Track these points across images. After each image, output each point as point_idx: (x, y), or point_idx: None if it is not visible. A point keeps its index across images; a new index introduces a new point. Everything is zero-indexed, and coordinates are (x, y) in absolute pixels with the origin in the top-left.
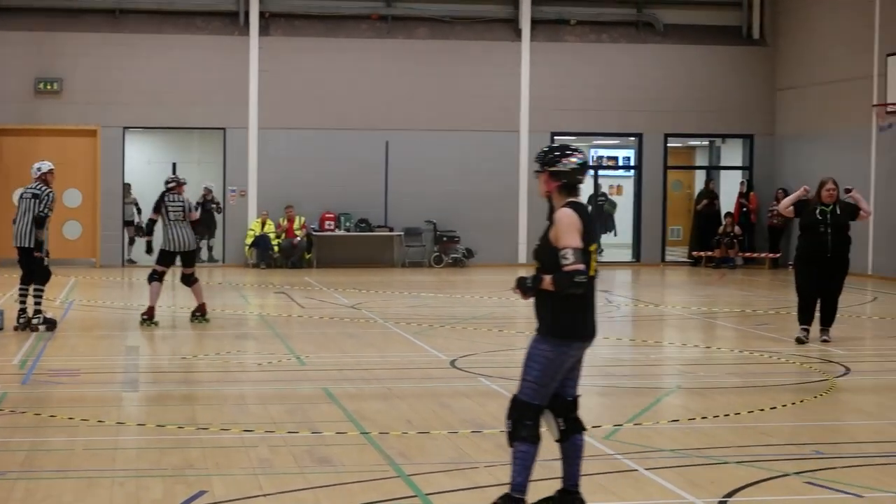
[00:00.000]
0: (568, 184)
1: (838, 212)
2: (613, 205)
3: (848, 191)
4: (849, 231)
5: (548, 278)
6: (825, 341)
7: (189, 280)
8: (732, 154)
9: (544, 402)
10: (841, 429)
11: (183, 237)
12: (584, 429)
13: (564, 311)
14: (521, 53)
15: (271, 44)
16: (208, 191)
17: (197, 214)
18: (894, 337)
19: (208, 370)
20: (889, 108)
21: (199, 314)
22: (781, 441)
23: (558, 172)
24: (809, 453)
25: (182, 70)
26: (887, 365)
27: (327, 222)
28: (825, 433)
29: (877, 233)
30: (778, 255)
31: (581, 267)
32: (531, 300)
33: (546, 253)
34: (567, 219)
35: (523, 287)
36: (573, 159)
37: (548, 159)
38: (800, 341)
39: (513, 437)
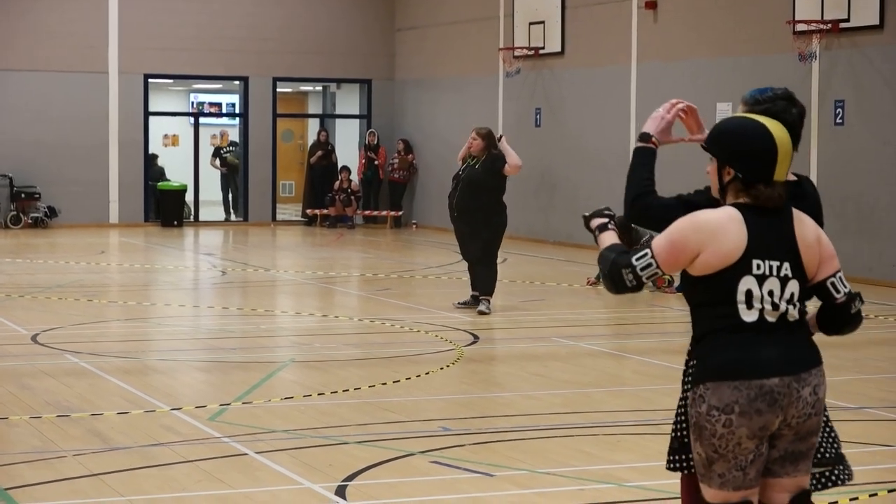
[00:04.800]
0: None
1: (477, 166)
2: (238, 156)
3: (498, 139)
4: (487, 187)
5: None
6: (481, 313)
7: None
8: (349, 101)
9: None
10: (469, 402)
11: None
12: None
13: None
14: None
15: None
16: None
17: None
18: (526, 301)
19: None
20: (516, 53)
21: None
22: (405, 417)
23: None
24: (436, 430)
25: None
26: (517, 332)
27: None
28: (452, 407)
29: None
30: (400, 213)
31: None
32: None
33: None
34: None
35: None
36: None
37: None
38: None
39: None
